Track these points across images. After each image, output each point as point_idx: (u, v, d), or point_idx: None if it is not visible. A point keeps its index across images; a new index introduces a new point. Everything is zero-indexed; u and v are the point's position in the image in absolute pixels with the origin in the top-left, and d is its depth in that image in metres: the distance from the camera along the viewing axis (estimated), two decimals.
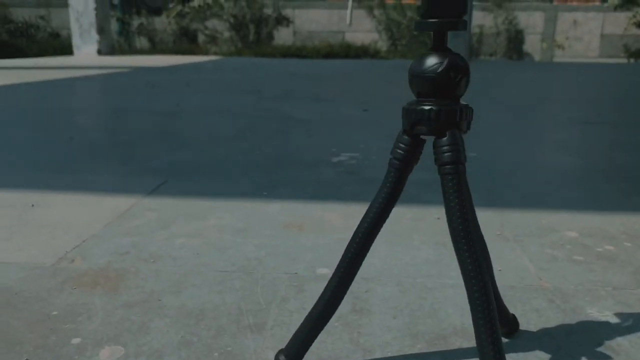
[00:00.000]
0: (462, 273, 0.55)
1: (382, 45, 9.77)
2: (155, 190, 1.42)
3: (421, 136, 0.59)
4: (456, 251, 0.55)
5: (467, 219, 0.55)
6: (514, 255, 1.02)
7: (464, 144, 0.57)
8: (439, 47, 0.56)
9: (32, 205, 1.30)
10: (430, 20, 0.55)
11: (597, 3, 9.89)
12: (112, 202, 1.32)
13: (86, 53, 8.07)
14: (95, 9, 7.96)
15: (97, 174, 1.60)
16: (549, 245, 1.07)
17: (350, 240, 0.61)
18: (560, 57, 9.50)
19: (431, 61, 0.56)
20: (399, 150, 0.59)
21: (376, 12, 9.85)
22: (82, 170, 1.65)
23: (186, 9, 10.23)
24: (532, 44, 9.63)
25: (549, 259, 1.01)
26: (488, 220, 1.20)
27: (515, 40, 9.55)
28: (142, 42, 10.46)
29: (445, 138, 0.56)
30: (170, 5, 10.58)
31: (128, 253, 1.02)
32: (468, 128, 0.58)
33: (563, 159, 1.84)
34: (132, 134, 2.24)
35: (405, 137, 0.59)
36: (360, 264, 0.61)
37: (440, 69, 0.55)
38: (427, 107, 0.56)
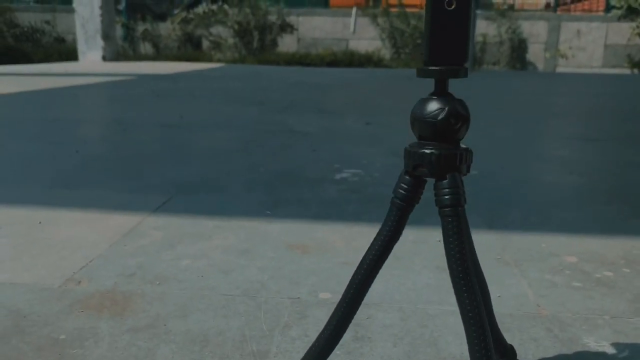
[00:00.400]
0: (460, 313, 0.56)
1: (386, 53, 9.80)
2: (160, 208, 1.44)
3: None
4: (455, 292, 0.57)
5: (466, 260, 0.57)
6: (514, 281, 1.03)
7: (464, 187, 0.59)
8: (441, 93, 0.58)
9: (40, 223, 1.32)
10: (432, 67, 0.57)
11: (601, 13, 9.93)
12: (118, 220, 1.34)
13: (91, 59, 8.13)
14: (101, 15, 8.02)
15: (102, 190, 1.62)
16: (549, 271, 1.08)
17: (352, 277, 0.63)
18: (563, 66, 9.52)
19: (433, 107, 0.57)
20: (401, 190, 0.61)
21: (380, 20, 9.89)
22: (88, 186, 1.67)
23: (191, 15, 10.29)
24: (536, 54, 9.65)
25: (548, 285, 1.02)
26: (489, 242, 1.22)
27: (518, 49, 9.57)
28: (146, 47, 10.52)
29: (445, 181, 0.58)
30: (175, 12, 10.64)
31: (134, 275, 1.04)
32: (467, 171, 0.59)
33: (564, 178, 1.85)
34: (137, 147, 2.26)
35: (407, 177, 0.61)
36: (362, 299, 0.63)
37: (441, 116, 0.56)
38: (428, 151, 0.58)
